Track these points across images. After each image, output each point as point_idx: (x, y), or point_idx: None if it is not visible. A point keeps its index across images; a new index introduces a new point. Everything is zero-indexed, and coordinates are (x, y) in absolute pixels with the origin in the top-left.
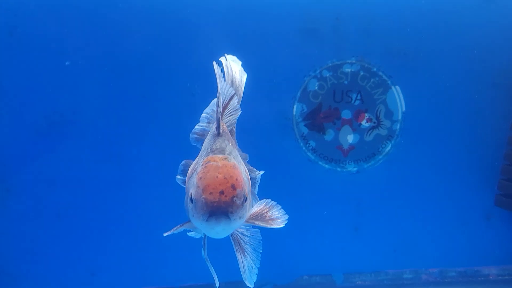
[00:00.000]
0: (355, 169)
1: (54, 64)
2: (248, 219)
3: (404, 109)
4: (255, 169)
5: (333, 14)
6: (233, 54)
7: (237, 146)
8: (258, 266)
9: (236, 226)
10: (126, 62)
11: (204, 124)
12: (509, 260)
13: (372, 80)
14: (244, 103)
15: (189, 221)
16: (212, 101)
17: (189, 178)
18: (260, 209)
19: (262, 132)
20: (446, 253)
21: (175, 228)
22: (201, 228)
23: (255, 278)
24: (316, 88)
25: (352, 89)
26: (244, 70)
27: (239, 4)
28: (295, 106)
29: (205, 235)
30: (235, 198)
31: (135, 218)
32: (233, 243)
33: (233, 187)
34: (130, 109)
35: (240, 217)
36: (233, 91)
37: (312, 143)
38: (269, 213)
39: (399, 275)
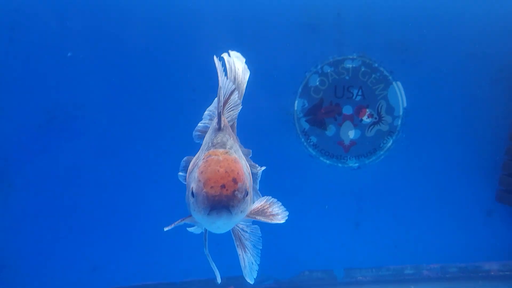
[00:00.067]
0: (356, 164)
1: (56, 58)
2: (249, 214)
3: (405, 105)
4: (256, 165)
5: (334, 10)
6: (234, 50)
7: (239, 142)
8: (259, 263)
9: (237, 220)
10: (128, 58)
11: (207, 122)
12: (510, 255)
13: (373, 75)
14: (245, 98)
15: (190, 215)
16: (215, 99)
17: (190, 172)
18: (261, 205)
19: (263, 128)
20: (447, 249)
21: (176, 222)
22: (202, 223)
23: (256, 275)
24: (317, 83)
25: (353, 84)
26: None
27: None
28: (296, 102)
29: (205, 231)
30: (236, 192)
31: (137, 213)
32: (234, 238)
33: (235, 181)
34: (132, 104)
35: (241, 211)
36: (234, 86)
37: (313, 139)
38: (270, 209)
39: (400, 270)
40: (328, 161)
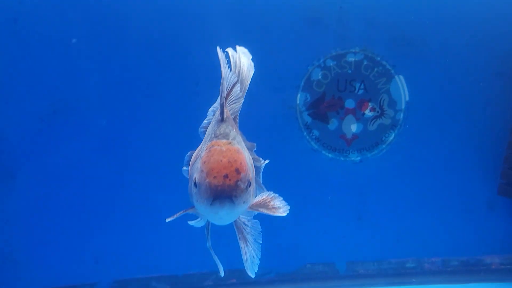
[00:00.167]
0: (359, 158)
1: (59, 51)
2: (252, 206)
3: (407, 99)
4: (260, 158)
5: (337, 3)
6: (237, 43)
7: (243, 136)
8: (259, 257)
9: (240, 211)
10: (131, 51)
11: (211, 118)
12: (511, 249)
13: (375, 69)
14: (247, 92)
15: (192, 206)
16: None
17: (193, 164)
18: (263, 199)
19: (266, 122)
20: (448, 242)
21: (178, 214)
22: (205, 214)
23: (257, 268)
24: (320, 77)
25: (355, 78)
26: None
27: None
28: (298, 95)
29: (208, 224)
30: (239, 182)
31: (140, 205)
32: (236, 231)
33: (237, 171)
34: (135, 97)
35: (244, 202)
36: (236, 78)
37: (316, 132)
38: (272, 203)
39: (402, 264)
40: (330, 155)
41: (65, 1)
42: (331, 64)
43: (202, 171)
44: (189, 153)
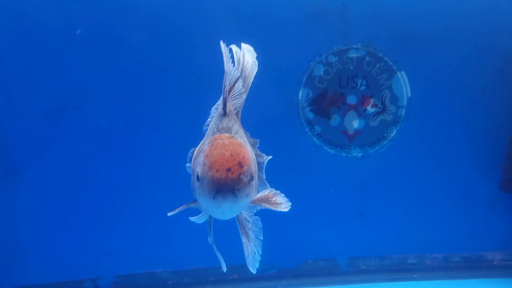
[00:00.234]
0: (360, 154)
1: (62, 47)
2: (254, 201)
3: (409, 95)
4: (263, 154)
5: None
6: (239, 38)
7: (247, 133)
8: (260, 253)
9: (242, 204)
10: (133, 46)
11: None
12: None
13: (377, 65)
14: (250, 89)
15: (195, 201)
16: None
17: (195, 158)
18: (265, 195)
19: (268, 118)
20: (450, 238)
21: (180, 208)
22: (207, 207)
23: (258, 265)
24: (322, 73)
25: (357, 74)
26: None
27: None
28: (300, 91)
29: (210, 219)
30: (242, 176)
31: (142, 201)
32: (239, 226)
33: (240, 165)
34: (137, 92)
35: (246, 196)
36: (239, 74)
37: (318, 128)
38: (273, 199)
39: (403, 260)
40: (332, 151)
41: None
42: (333, 60)
43: (204, 164)
44: (192, 149)
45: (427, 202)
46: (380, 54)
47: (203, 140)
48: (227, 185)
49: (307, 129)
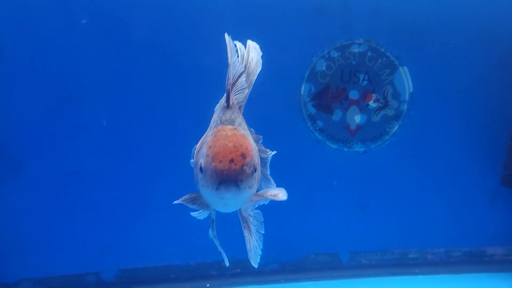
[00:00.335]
0: (362, 149)
1: (66, 40)
2: (253, 199)
3: (411, 90)
4: (267, 150)
5: None
6: (241, 33)
7: (251, 129)
8: (261, 248)
9: (245, 196)
10: (136, 41)
11: None
12: None
13: (379, 60)
14: (252, 85)
15: (198, 192)
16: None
17: (198, 151)
18: (263, 191)
19: (270, 112)
20: (451, 233)
21: (184, 198)
22: (210, 199)
23: (259, 259)
24: (324, 68)
25: (359, 69)
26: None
27: None
28: (303, 86)
29: (212, 213)
30: (245, 167)
31: (145, 195)
32: (241, 220)
33: (243, 156)
34: (140, 87)
35: (249, 187)
36: (243, 68)
37: (320, 123)
38: (269, 192)
39: (404, 254)
40: (334, 146)
41: None
42: (336, 55)
43: (207, 155)
44: (195, 146)
45: (428, 197)
46: (382, 49)
47: (206, 133)
48: (230, 176)
49: (309, 124)
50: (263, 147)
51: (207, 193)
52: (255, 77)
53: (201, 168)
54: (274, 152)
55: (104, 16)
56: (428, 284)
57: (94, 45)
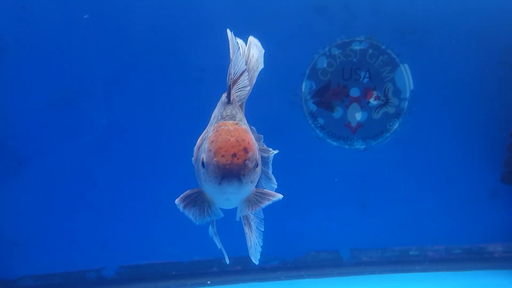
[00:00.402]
0: (363, 146)
1: (67, 38)
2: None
3: (412, 87)
4: (269, 149)
5: None
6: (242, 30)
7: (253, 128)
8: (261, 244)
9: (247, 191)
10: (137, 38)
11: None
12: None
13: (380, 58)
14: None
15: (198, 188)
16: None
17: (199, 147)
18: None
19: (271, 110)
20: (451, 230)
21: (184, 195)
22: (212, 195)
23: (259, 256)
24: (325, 65)
25: (360, 67)
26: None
27: None
28: (304, 84)
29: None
30: (247, 161)
31: (146, 192)
32: (242, 217)
33: (245, 150)
34: (141, 85)
35: (251, 181)
36: (245, 67)
37: (321, 121)
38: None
39: (405, 251)
40: (335, 143)
41: None
42: (337, 53)
43: (210, 150)
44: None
45: (429, 194)
46: (383, 47)
47: (206, 129)
48: (233, 171)
49: (310, 121)
50: (265, 146)
51: (209, 188)
52: (256, 74)
53: (203, 163)
54: (276, 152)
55: (105, 13)
56: (428, 281)
57: (95, 42)
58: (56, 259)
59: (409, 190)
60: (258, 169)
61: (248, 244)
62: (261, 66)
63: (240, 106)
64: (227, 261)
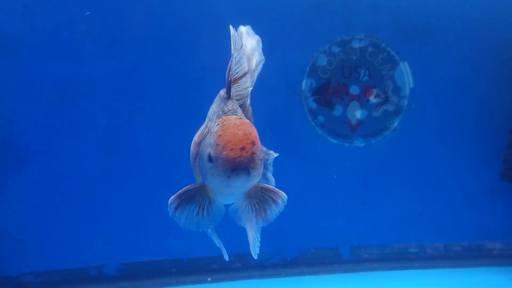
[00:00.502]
0: (363, 144)
1: (67, 35)
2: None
3: (412, 85)
4: (270, 152)
5: None
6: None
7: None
8: (259, 239)
9: (252, 183)
10: (137, 35)
11: None
12: None
13: (380, 56)
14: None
15: (196, 184)
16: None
17: (199, 143)
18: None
19: (271, 107)
20: (451, 228)
21: (181, 191)
22: (218, 188)
23: (258, 250)
24: (325, 63)
25: (360, 64)
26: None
27: None
28: (304, 81)
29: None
30: (255, 155)
31: (147, 189)
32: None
33: (253, 144)
34: (141, 82)
35: (258, 175)
36: (247, 68)
37: (321, 118)
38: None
39: (404, 249)
40: (335, 141)
41: None
42: (337, 51)
43: (217, 144)
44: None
45: (428, 191)
46: (383, 45)
47: (204, 125)
48: (242, 164)
49: (310, 119)
50: (265, 148)
51: (217, 182)
52: (256, 73)
53: (210, 158)
54: (276, 155)
55: (106, 11)
56: (427, 278)
57: (96, 40)
58: (57, 255)
59: (408, 188)
60: (262, 163)
61: (249, 239)
62: (262, 62)
63: (244, 106)
64: (226, 258)
